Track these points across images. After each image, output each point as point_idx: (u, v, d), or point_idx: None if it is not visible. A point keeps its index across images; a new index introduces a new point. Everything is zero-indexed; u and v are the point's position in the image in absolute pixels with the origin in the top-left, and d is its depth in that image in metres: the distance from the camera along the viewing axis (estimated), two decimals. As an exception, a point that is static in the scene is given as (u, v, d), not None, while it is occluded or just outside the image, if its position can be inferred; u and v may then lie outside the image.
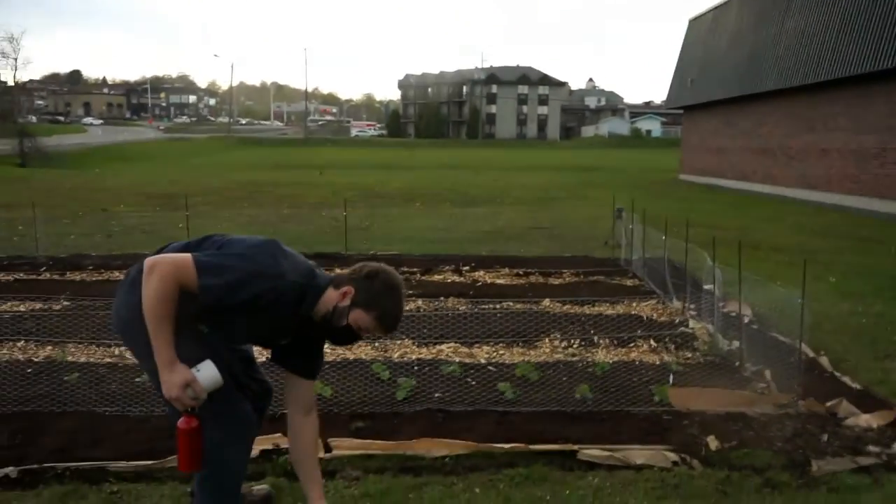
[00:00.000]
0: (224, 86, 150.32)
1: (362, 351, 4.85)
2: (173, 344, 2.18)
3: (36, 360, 4.58)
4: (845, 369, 4.56)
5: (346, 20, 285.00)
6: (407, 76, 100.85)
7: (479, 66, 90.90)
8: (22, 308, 5.91)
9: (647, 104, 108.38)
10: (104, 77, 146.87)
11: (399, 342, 4.98)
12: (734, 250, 6.17)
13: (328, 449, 3.32)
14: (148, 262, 2.18)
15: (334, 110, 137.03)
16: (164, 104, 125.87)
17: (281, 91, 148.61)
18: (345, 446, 3.34)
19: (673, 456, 3.29)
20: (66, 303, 6.07)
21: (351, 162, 37.55)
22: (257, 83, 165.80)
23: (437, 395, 4.02)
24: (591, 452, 3.30)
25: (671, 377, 4.27)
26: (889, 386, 4.27)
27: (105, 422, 3.65)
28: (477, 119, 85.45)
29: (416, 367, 4.46)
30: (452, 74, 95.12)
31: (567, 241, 10.16)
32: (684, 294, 6.14)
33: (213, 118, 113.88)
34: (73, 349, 4.85)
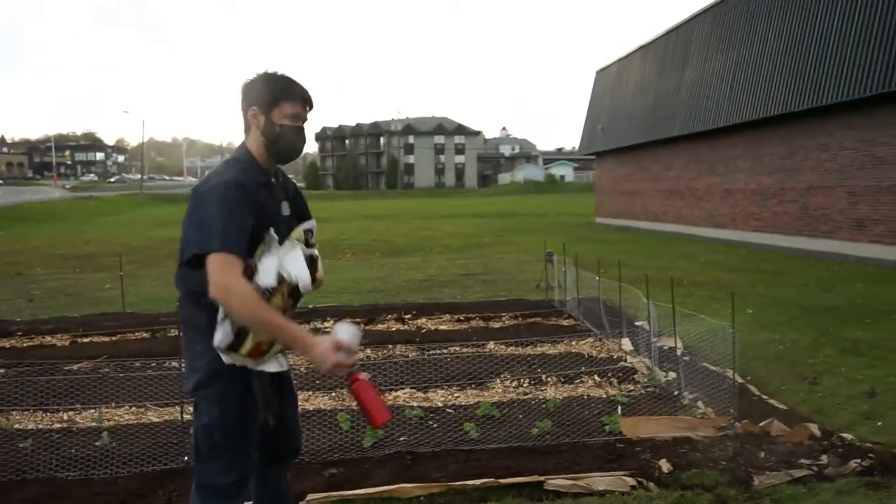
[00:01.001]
0: (133, 142, 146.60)
1: (321, 401, 4.94)
2: (295, 326, 2.16)
3: (-19, 430, 4.44)
4: (771, 392, 4.97)
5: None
6: (323, 128, 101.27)
7: (396, 118, 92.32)
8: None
9: (559, 150, 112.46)
10: (2, 136, 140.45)
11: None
12: (660, 288, 6.64)
13: (302, 498, 3.40)
14: (214, 294, 2.09)
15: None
16: (69, 162, 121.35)
17: (193, 146, 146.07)
18: (319, 498, 3.43)
19: (631, 480, 3.54)
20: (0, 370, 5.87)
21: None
22: (168, 139, 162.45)
23: (402, 438, 4.15)
24: (557, 482, 3.51)
25: (619, 408, 4.56)
26: (810, 405, 4.69)
27: (69, 487, 3.60)
28: (395, 169, 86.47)
29: (376, 414, 4.57)
30: (369, 126, 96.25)
31: (500, 286, 10.50)
32: (620, 331, 6.50)
33: (122, 175, 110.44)
34: (18, 416, 4.72)
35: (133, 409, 4.83)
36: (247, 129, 2.35)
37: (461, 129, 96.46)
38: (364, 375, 2.25)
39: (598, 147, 29.07)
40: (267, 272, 2.15)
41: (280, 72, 2.33)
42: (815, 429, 4.10)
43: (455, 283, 10.96)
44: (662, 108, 23.07)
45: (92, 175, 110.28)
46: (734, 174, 19.32)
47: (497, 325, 7.54)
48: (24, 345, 6.96)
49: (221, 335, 2.16)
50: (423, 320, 7.70)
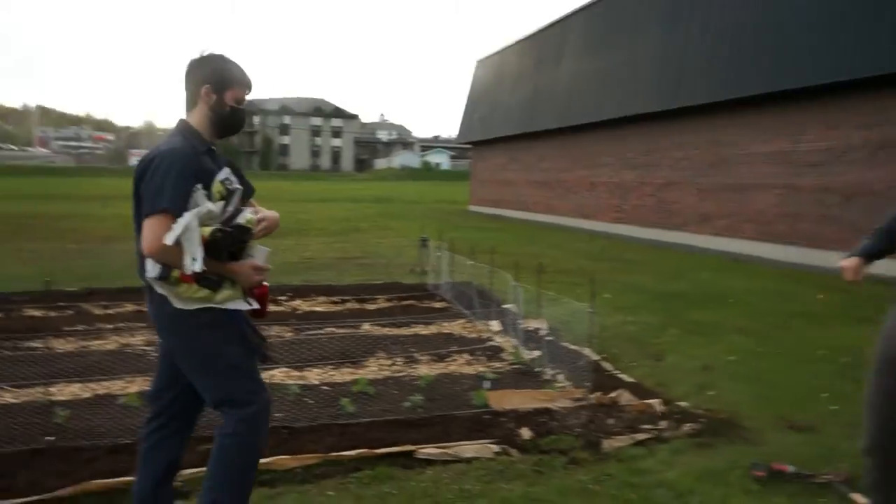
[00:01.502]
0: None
1: (193, 381, 4.91)
2: (217, 263, 2.45)
3: None
4: (622, 367, 5.46)
5: (124, 41, 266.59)
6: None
7: (272, 97, 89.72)
8: None
9: (436, 138, 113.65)
10: None
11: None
12: (528, 273, 7.05)
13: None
14: (145, 248, 2.40)
15: (111, 137, 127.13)
16: None
17: (47, 115, 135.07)
18: (195, 472, 3.47)
19: (495, 447, 3.83)
20: None
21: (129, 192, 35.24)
22: (18, 105, 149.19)
23: (278, 414, 4.23)
24: (428, 451, 3.74)
25: (487, 384, 4.86)
26: (655, 378, 5.21)
27: None
28: (270, 150, 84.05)
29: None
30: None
31: (376, 270, 10.65)
32: (490, 313, 6.86)
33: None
34: None
35: (-12, 390, 4.60)
36: (192, 103, 2.59)
37: (339, 112, 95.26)
38: (265, 287, 2.68)
39: (475, 136, 29.76)
40: (177, 225, 2.36)
41: (228, 56, 2.60)
42: (656, 399, 4.58)
43: (331, 267, 11.00)
44: (538, 102, 23.99)
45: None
46: (600, 168, 20.47)
47: (372, 306, 7.71)
48: None
49: (150, 267, 2.46)
50: (299, 302, 7.74)
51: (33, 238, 14.43)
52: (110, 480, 3.26)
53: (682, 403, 4.59)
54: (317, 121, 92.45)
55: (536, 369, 5.34)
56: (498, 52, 29.08)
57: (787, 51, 12.94)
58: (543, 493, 3.35)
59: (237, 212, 2.54)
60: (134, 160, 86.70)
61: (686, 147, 16.55)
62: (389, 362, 5.45)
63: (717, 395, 4.82)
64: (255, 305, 2.62)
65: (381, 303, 7.87)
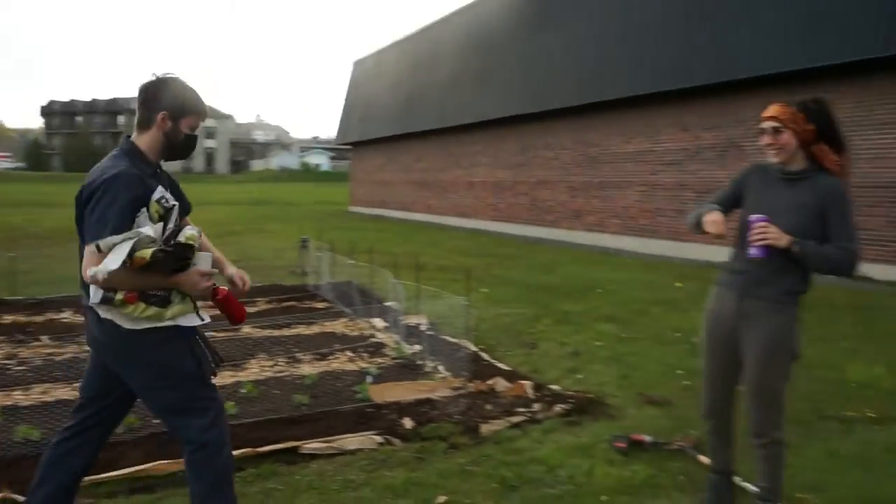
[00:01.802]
0: None
1: (61, 392, 4.71)
2: (161, 277, 2.41)
3: None
4: (499, 356, 5.73)
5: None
6: (51, 102, 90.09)
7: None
8: None
9: (315, 139, 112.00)
10: None
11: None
12: (408, 271, 7.22)
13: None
14: (89, 279, 2.32)
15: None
16: None
17: None
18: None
19: (378, 438, 3.95)
20: None
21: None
22: None
23: (155, 421, 4.15)
24: (312, 445, 3.81)
25: (369, 378, 4.97)
26: (529, 365, 5.51)
27: None
28: (137, 151, 79.86)
29: (127, 400, 4.50)
30: (106, 102, 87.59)
31: (255, 272, 10.40)
32: (371, 310, 6.97)
33: None
34: None
35: None
36: (144, 125, 2.55)
37: (212, 112, 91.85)
38: (224, 289, 2.61)
39: (353, 137, 29.68)
40: (116, 252, 2.33)
41: (186, 81, 2.58)
42: (529, 389, 4.87)
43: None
44: (415, 103, 24.27)
45: None
46: (476, 168, 21.03)
47: (253, 309, 7.60)
48: None
49: (93, 293, 2.41)
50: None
51: None
52: (-26, 497, 3.11)
53: (554, 387, 4.90)
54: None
55: (418, 362, 5.50)
56: (376, 53, 29.16)
57: (644, 57, 13.87)
58: (424, 477, 3.50)
59: (177, 230, 2.51)
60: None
61: (556, 147, 17.34)
62: (271, 363, 5.44)
63: (585, 378, 5.18)
64: (207, 319, 2.61)
65: (262, 305, 7.78)
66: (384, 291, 7.91)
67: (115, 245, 2.32)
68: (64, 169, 76.85)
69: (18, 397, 4.56)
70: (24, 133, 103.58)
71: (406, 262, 8.52)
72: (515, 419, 4.28)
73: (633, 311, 7.72)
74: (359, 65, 30.81)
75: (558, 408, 4.45)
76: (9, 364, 5.26)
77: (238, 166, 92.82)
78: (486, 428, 4.14)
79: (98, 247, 2.31)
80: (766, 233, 2.67)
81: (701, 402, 3.18)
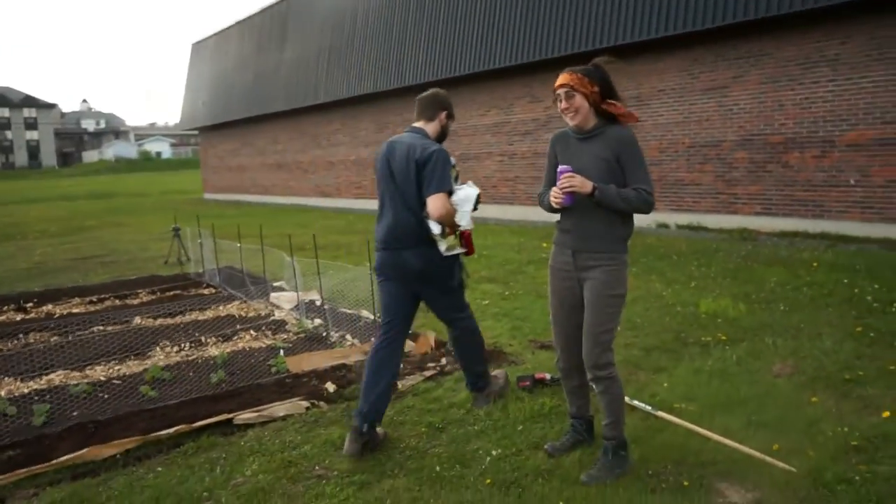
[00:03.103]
0: None
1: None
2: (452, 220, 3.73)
3: None
4: (398, 322, 6.08)
5: None
6: None
7: (-62, 85, 76.09)
8: None
9: (153, 125, 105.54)
10: None
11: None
12: (286, 252, 7.38)
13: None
14: (437, 215, 3.61)
15: None
16: None
17: None
18: (1, 479, 3.37)
19: (305, 403, 4.20)
20: None
21: None
22: None
23: (74, 413, 4.15)
24: (245, 416, 4.00)
25: (281, 352, 5.16)
26: (428, 326, 5.90)
27: None
28: (-55, 147, 71.55)
29: (36, 398, 4.43)
30: None
31: (124, 266, 10.12)
32: (264, 290, 7.07)
33: None
34: None
35: None
36: (429, 118, 3.89)
37: (31, 101, 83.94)
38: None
39: (200, 122, 28.53)
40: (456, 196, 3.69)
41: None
42: (432, 340, 5.27)
43: (71, 269, 10.19)
44: (265, 84, 23.73)
45: None
46: (335, 147, 21.04)
47: (136, 301, 7.46)
48: None
49: (435, 227, 3.65)
50: (50, 307, 7.21)
51: None
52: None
53: (456, 342, 5.33)
54: (4, 112, 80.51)
55: (322, 334, 5.74)
56: (215, 35, 28.08)
57: (495, 34, 14.54)
58: (358, 430, 3.81)
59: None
60: None
61: (411, 122, 17.74)
62: (177, 349, 5.47)
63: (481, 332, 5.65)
64: (466, 248, 3.81)
65: (144, 297, 7.63)
66: (270, 273, 8.01)
67: (459, 198, 3.65)
68: None
69: None
70: None
71: (280, 244, 8.61)
72: (428, 373, 4.68)
73: (510, 272, 8.33)
74: (198, 47, 29.54)
75: (464, 359, 4.88)
76: None
77: (67, 158, 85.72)
78: (402, 383, 4.50)
79: (448, 191, 3.61)
80: (572, 182, 3.03)
81: (556, 355, 3.43)
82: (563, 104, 3.15)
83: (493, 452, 3.45)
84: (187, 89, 29.75)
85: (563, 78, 3.15)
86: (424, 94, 3.95)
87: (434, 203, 3.56)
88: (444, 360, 4.90)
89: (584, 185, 3.02)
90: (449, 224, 3.64)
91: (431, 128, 3.87)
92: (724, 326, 5.49)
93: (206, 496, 3.17)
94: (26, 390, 4.62)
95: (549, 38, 13.24)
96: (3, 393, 4.56)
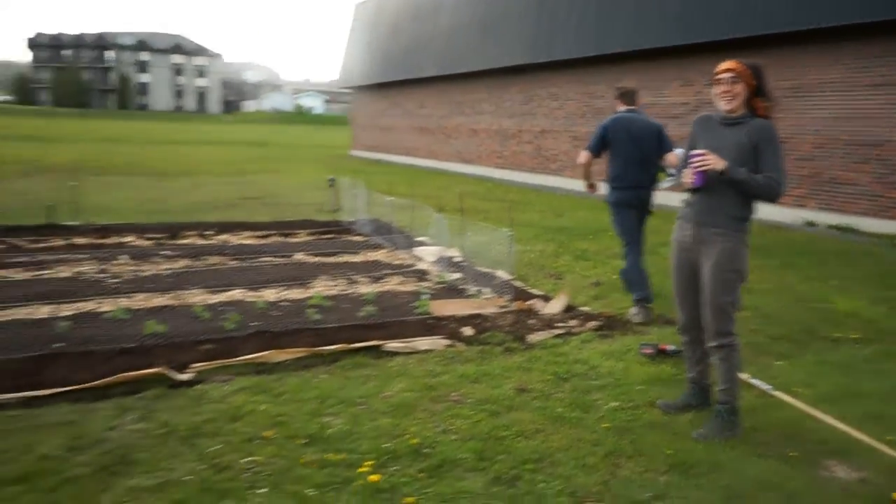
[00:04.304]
0: None
1: (159, 301, 5.42)
2: None
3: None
4: (531, 285, 6.49)
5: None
6: (38, 35, 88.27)
7: (126, 31, 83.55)
8: None
9: (307, 81, 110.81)
10: None
11: (191, 292, 5.64)
12: (430, 211, 7.89)
13: (184, 368, 4.06)
14: None
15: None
16: None
17: None
18: (201, 366, 4.11)
19: (446, 341, 4.72)
20: None
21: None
22: None
23: (254, 323, 4.89)
24: (392, 345, 4.57)
25: (427, 296, 5.72)
26: (559, 291, 6.28)
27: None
28: (127, 88, 78.77)
29: (222, 308, 5.23)
30: (95, 37, 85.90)
31: (283, 209, 11.12)
32: (409, 242, 7.69)
33: None
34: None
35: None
36: (636, 103, 5.78)
37: (202, 51, 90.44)
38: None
39: (355, 81, 29.89)
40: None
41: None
42: (564, 303, 5.64)
43: (238, 207, 11.34)
44: (419, 49, 24.53)
45: None
46: (480, 116, 21.53)
47: (296, 240, 8.30)
48: None
49: (674, 172, 5.23)
50: (226, 236, 8.19)
51: None
52: (139, 372, 3.84)
53: (584, 308, 5.68)
54: (178, 59, 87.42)
55: (461, 287, 6.26)
56: (377, -3, 29.15)
57: (646, 13, 14.35)
58: (491, 370, 4.28)
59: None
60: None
61: (560, 98, 17.88)
62: (333, 283, 6.17)
63: (608, 302, 5.96)
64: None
65: (304, 236, 8.47)
66: (413, 228, 8.64)
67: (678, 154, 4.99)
68: (54, 103, 75.79)
69: (126, 302, 5.26)
70: (10, 66, 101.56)
71: (423, 203, 9.20)
72: (556, 331, 5.06)
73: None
74: (360, 8, 30.80)
75: (590, 324, 5.23)
76: (102, 277, 5.95)
77: (230, 106, 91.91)
78: (532, 337, 4.92)
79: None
80: (705, 159, 3.30)
81: (677, 319, 3.75)
82: (724, 87, 3.40)
83: (612, 404, 3.80)
84: (347, 48, 31.17)
85: (730, 64, 3.40)
86: (630, 87, 5.73)
87: (670, 157, 5.42)
88: (572, 322, 5.26)
89: (717, 162, 3.29)
90: (676, 167, 4.86)
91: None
92: (858, 326, 5.48)
93: (360, 401, 3.74)
94: (214, 301, 5.43)
95: (709, 18, 12.93)
96: (198, 300, 5.41)
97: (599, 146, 5.63)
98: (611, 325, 5.26)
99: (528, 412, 3.68)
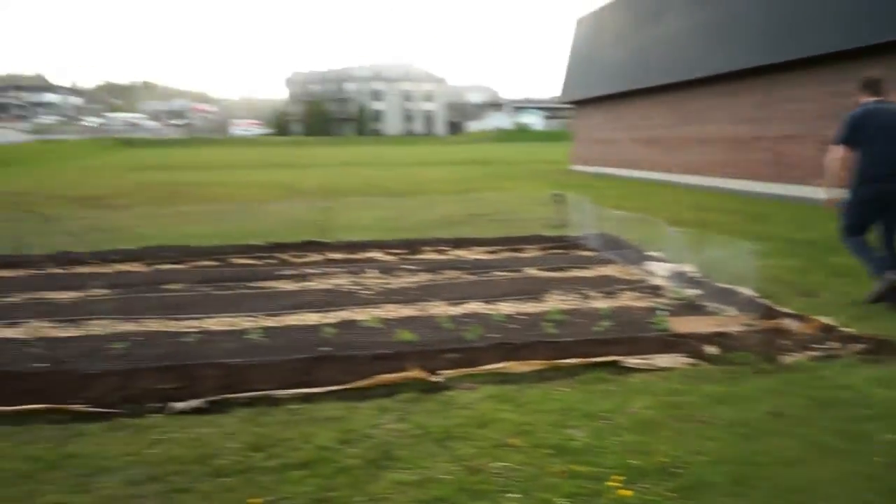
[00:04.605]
0: (87, 84, 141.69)
1: (406, 312, 5.83)
2: None
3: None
4: (779, 302, 6.02)
5: (218, 19, 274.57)
6: (295, 73, 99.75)
7: (364, 65, 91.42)
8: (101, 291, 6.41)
9: (527, 99, 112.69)
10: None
11: (432, 303, 6.01)
12: (658, 226, 7.63)
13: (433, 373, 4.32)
14: None
15: (211, 109, 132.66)
16: (21, 104, 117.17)
17: (151, 89, 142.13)
18: (451, 373, 4.36)
19: (687, 359, 4.55)
20: (105, 290, 6.61)
21: (250, 161, 37.35)
22: (126, 81, 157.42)
23: (495, 335, 5.09)
24: (632, 361, 4.50)
25: (663, 313, 5.56)
26: (812, 311, 5.73)
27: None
28: (364, 116, 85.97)
29: (462, 319, 5.51)
30: (338, 72, 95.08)
31: (511, 225, 11.41)
32: (640, 258, 7.52)
33: (82, 118, 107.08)
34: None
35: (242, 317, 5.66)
36: (883, 93, 5.71)
37: (429, 76, 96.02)
38: None
39: (576, 96, 29.88)
40: None
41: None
42: (820, 322, 5.16)
43: (467, 223, 11.84)
44: (640, 59, 23.93)
45: (52, 117, 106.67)
46: (709, 124, 20.40)
47: (526, 255, 8.48)
48: (106, 270, 7.66)
49: None
50: (460, 251, 8.60)
51: (186, 202, 15.98)
52: (398, 375, 4.18)
53: (846, 329, 5.15)
54: (408, 85, 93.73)
55: (699, 303, 5.98)
56: (597, 10, 28.95)
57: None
58: (740, 391, 4.04)
59: None
60: (236, 130, 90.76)
61: (800, 100, 16.37)
62: (566, 297, 6.22)
63: (875, 324, 5.34)
64: None
65: (533, 252, 8.63)
66: (643, 242, 8.42)
67: None
68: (304, 133, 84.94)
69: (377, 312, 5.74)
70: (270, 103, 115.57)
71: (654, 217, 8.90)
72: (812, 353, 4.65)
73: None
74: (582, 22, 30.78)
75: (855, 346, 4.73)
76: (355, 289, 6.56)
77: (455, 128, 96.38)
78: (786, 358, 4.56)
79: None
80: None
81: None
82: None
83: (888, 436, 3.41)
84: (569, 64, 31.30)
85: None
86: (875, 76, 5.62)
87: None
88: (833, 344, 4.80)
89: None
90: None
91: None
92: None
93: (603, 416, 3.73)
94: (454, 312, 5.74)
95: None
96: (439, 312, 5.75)
97: (852, 138, 5.47)
98: (879, 349, 4.71)
99: (786, 438, 3.43)
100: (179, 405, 3.89)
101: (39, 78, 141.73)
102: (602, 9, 28.58)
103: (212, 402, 3.94)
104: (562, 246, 8.96)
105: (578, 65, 30.12)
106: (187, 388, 4.13)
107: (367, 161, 37.34)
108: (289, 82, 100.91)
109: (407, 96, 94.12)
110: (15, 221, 11.95)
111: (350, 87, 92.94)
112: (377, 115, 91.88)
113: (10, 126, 76.51)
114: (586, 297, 6.26)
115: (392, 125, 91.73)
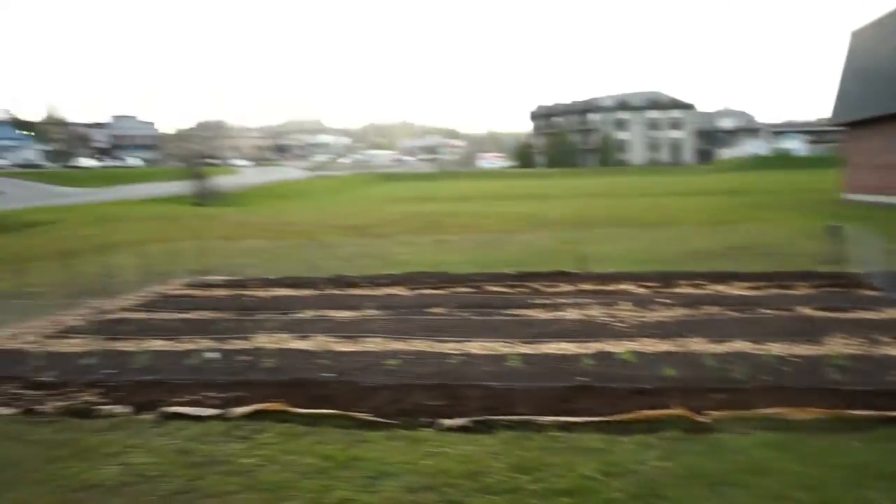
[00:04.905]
0: (355, 126, 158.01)
1: (663, 346, 5.62)
2: None
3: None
4: None
5: (471, 58, 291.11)
6: (539, 107, 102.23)
7: (608, 94, 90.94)
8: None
9: (788, 123, 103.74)
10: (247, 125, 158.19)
11: (691, 339, 5.73)
12: None
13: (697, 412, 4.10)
14: None
15: (460, 144, 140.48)
16: (301, 144, 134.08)
17: (408, 127, 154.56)
18: (719, 414, 4.11)
19: None
20: (377, 311, 7.26)
21: (497, 193, 38.80)
22: (388, 121, 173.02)
23: (764, 377, 4.72)
24: (941, 418, 3.89)
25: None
26: None
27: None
28: (608, 146, 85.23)
29: (726, 358, 5.18)
30: (583, 103, 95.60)
31: (775, 259, 10.51)
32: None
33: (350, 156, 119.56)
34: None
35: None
36: None
37: (676, 103, 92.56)
38: None
39: (851, 116, 26.86)
40: None
41: None
42: None
43: (725, 256, 11.12)
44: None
45: (326, 155, 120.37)
46: None
47: (797, 292, 7.74)
48: (376, 293, 8.41)
49: None
50: (718, 287, 8.11)
51: (440, 231, 17.02)
52: (661, 411, 4.06)
53: None
54: (654, 114, 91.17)
55: None
56: (875, 22, 25.84)
57: None
58: None
59: None
60: (482, 163, 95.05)
61: None
62: (849, 341, 5.56)
63: None
64: None
65: (805, 289, 7.86)
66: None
67: None
68: (546, 165, 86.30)
69: (632, 345, 5.60)
70: (514, 136, 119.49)
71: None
72: None
73: None
74: (857, 35, 27.67)
75: None
76: (609, 321, 6.49)
77: (704, 155, 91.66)
78: None
79: None
80: None
81: None
82: None
83: None
84: (842, 81, 28.31)
85: None
86: None
87: None
88: None
89: None
90: None
91: None
92: None
93: (908, 480, 3.27)
94: (716, 350, 5.41)
95: None
96: (700, 348, 5.46)
97: None
98: None
99: None
100: (448, 422, 4.13)
101: (317, 122, 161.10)
102: (882, 18, 25.49)
103: (477, 422, 4.13)
104: (840, 284, 8.05)
105: (854, 82, 27.07)
106: (453, 406, 4.38)
107: (611, 192, 36.90)
108: (533, 115, 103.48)
109: (653, 124, 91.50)
110: (300, 248, 13.67)
111: (594, 117, 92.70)
112: (621, 145, 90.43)
113: (291, 164, 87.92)
114: (875, 341, 5.55)
115: (637, 154, 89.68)
